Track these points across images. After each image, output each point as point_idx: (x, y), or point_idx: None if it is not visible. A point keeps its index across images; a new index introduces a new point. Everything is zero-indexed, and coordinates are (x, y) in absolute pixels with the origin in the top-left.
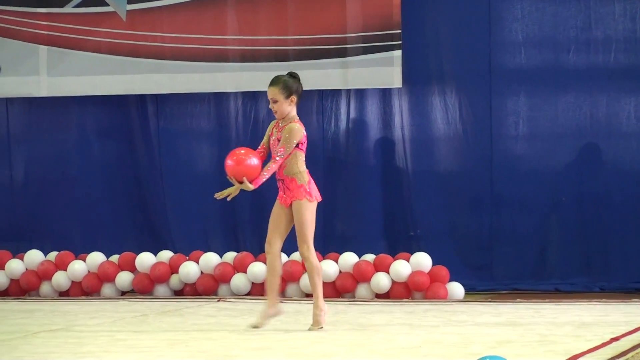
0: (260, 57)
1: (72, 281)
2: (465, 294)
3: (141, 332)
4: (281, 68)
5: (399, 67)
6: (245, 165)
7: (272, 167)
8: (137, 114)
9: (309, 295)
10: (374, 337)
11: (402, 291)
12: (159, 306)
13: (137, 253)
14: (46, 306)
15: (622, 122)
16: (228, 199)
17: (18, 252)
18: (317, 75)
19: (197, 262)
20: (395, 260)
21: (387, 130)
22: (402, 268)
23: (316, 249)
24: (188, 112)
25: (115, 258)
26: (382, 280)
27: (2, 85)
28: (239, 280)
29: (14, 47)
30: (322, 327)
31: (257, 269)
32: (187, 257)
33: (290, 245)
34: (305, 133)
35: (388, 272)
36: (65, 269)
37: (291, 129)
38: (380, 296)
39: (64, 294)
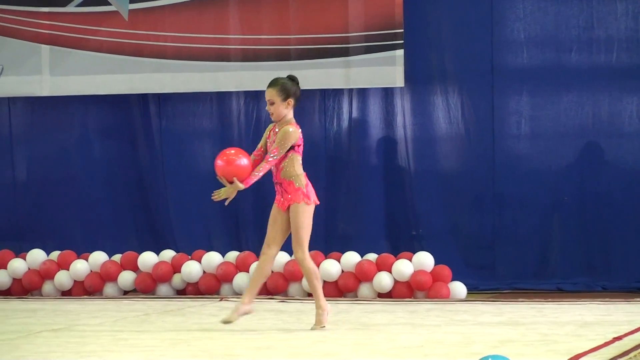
0: (263, 56)
1: (75, 280)
2: (468, 293)
3: (143, 332)
4: (283, 67)
5: (401, 66)
6: (235, 166)
7: (264, 168)
8: (139, 113)
9: (310, 295)
10: (376, 337)
11: (404, 291)
12: (162, 305)
13: (140, 252)
14: (48, 305)
15: (624, 122)
16: (226, 203)
17: (20, 251)
18: (319, 75)
19: (200, 262)
20: (397, 259)
21: (389, 130)
22: (404, 267)
23: (318, 248)
24: (190, 111)
25: (117, 257)
26: (384, 280)
27: (5, 85)
28: (242, 280)
29: (16, 47)
30: (324, 327)
31: None
32: (190, 257)
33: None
34: (301, 136)
35: (390, 272)
36: (67, 269)
37: (286, 131)
38: (383, 295)
39: (66, 294)
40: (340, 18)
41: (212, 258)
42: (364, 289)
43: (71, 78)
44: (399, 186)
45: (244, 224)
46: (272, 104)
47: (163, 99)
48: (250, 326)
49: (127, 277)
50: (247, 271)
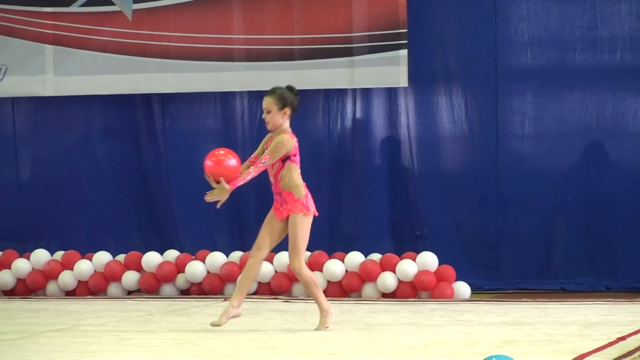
0: (266, 56)
1: (79, 280)
2: (472, 293)
3: (147, 332)
4: (287, 67)
5: (405, 66)
6: (223, 166)
7: (252, 172)
8: (142, 113)
9: None
10: (380, 337)
11: (408, 291)
12: (165, 305)
13: (144, 252)
14: (52, 305)
15: (628, 122)
16: (218, 205)
17: (24, 251)
18: (322, 75)
19: (204, 262)
20: (401, 259)
21: (393, 130)
22: (408, 267)
23: (322, 248)
24: (194, 111)
25: (121, 257)
26: (388, 280)
27: (8, 85)
28: None
29: (20, 47)
30: (327, 327)
31: (263, 268)
32: (194, 257)
33: None
34: (296, 145)
35: (394, 272)
36: (71, 269)
37: (280, 140)
38: (387, 295)
39: (70, 294)
40: (344, 18)
41: (216, 258)
42: (368, 289)
43: (75, 78)
44: (402, 186)
45: (247, 224)
46: (269, 112)
47: (167, 99)
48: (254, 326)
49: (131, 277)
50: None
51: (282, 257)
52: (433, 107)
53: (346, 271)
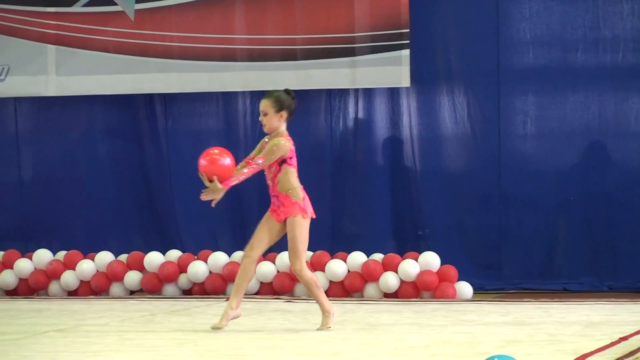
0: (268, 56)
1: (81, 280)
2: (474, 293)
3: (149, 332)
4: (289, 67)
5: (407, 66)
6: (218, 165)
7: (246, 173)
8: (145, 113)
9: None
10: (382, 337)
11: (410, 291)
12: (168, 305)
13: (146, 252)
14: (55, 305)
15: (630, 122)
16: (212, 204)
17: (27, 251)
18: (325, 75)
19: (206, 262)
20: (403, 259)
21: (395, 130)
22: (410, 267)
23: (324, 248)
24: (196, 111)
25: (123, 257)
26: (390, 280)
27: (11, 85)
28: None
29: (22, 47)
30: (330, 327)
31: (265, 268)
32: (196, 257)
33: None
34: (292, 148)
35: (396, 272)
36: (73, 269)
37: (276, 143)
38: (389, 295)
39: (72, 294)
40: (346, 18)
41: (218, 258)
42: (370, 289)
43: (77, 78)
44: (405, 186)
45: (249, 224)
46: (265, 115)
47: (169, 99)
48: (256, 326)
49: (133, 277)
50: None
51: (284, 257)
52: (435, 107)
53: (348, 271)
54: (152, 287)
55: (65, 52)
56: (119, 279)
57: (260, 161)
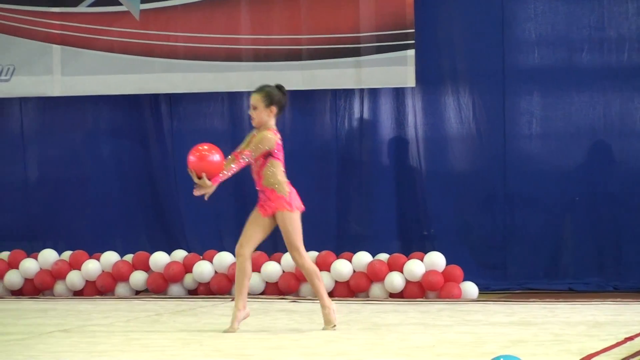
0: (274, 56)
1: (86, 280)
2: (479, 293)
3: (155, 332)
4: (294, 67)
5: (412, 66)
6: (207, 162)
7: (233, 168)
8: (150, 113)
9: None
10: (387, 337)
11: (416, 291)
12: (173, 305)
13: (151, 252)
14: (60, 305)
15: (635, 122)
16: (205, 197)
17: (32, 251)
18: (330, 75)
19: (211, 262)
20: (409, 259)
21: (400, 130)
22: (416, 267)
23: (330, 248)
24: (201, 111)
25: (129, 257)
26: (396, 280)
27: (16, 85)
28: (253, 280)
29: (27, 47)
30: (335, 326)
31: (271, 268)
32: (201, 257)
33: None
34: (279, 142)
35: (402, 272)
36: (79, 269)
37: (263, 136)
38: (394, 296)
39: (78, 294)
40: (352, 18)
41: (224, 258)
42: (376, 289)
43: (82, 78)
44: (410, 186)
45: None
46: (255, 108)
47: (174, 99)
48: (262, 326)
49: (138, 277)
50: (259, 271)
51: (289, 257)
52: (440, 107)
53: (354, 271)
54: (157, 287)
55: (71, 52)
56: (125, 279)
57: (247, 155)
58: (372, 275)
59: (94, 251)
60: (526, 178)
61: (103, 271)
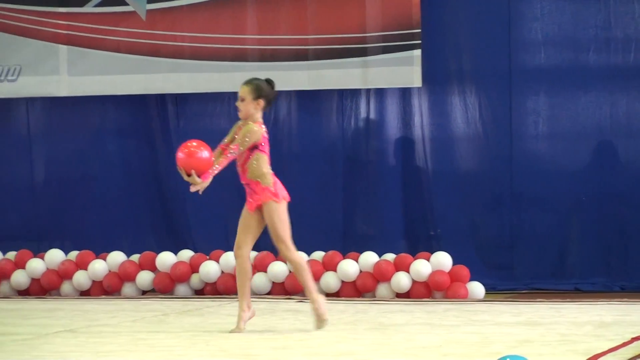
0: (280, 56)
1: (93, 280)
2: (486, 293)
3: (162, 332)
4: (301, 67)
5: (419, 66)
6: (196, 158)
7: (222, 163)
8: (156, 113)
9: (329, 295)
10: (394, 337)
11: (422, 291)
12: (180, 306)
13: (158, 252)
14: (67, 305)
15: None
16: (200, 192)
17: (39, 251)
18: (336, 75)
19: (218, 262)
20: (415, 259)
21: (406, 130)
22: (422, 267)
23: (336, 248)
24: (208, 111)
25: (135, 257)
26: (402, 280)
27: (23, 85)
28: (260, 280)
29: (34, 47)
30: (326, 320)
31: (277, 268)
32: (208, 257)
33: (310, 244)
34: (265, 135)
35: (408, 272)
36: (85, 269)
37: (248, 129)
38: (401, 296)
39: (84, 294)
40: (358, 18)
41: (230, 258)
42: (382, 289)
43: (89, 78)
44: (416, 186)
45: None
46: (243, 100)
47: (180, 99)
48: (268, 326)
49: (145, 277)
50: (265, 271)
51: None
52: (447, 107)
53: (360, 271)
54: (164, 287)
55: (77, 52)
56: (131, 279)
57: (235, 149)
58: (379, 275)
59: (101, 251)
60: (533, 178)
61: (110, 271)
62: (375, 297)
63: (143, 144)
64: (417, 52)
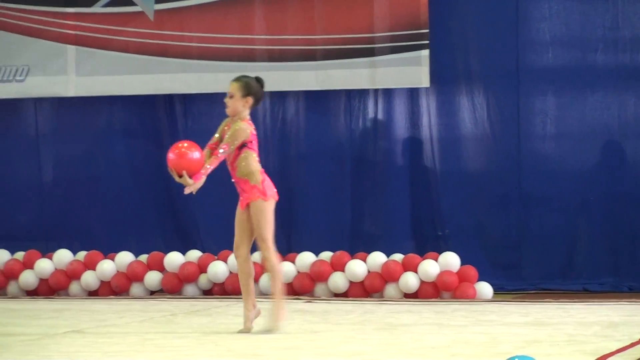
0: (288, 56)
1: (101, 281)
2: (494, 293)
3: (170, 332)
4: (309, 67)
5: (427, 66)
6: (186, 159)
7: (212, 163)
8: (164, 113)
9: (337, 295)
10: (402, 337)
11: (430, 291)
12: (188, 306)
13: (166, 253)
14: (75, 305)
15: None
16: (194, 193)
17: (47, 251)
18: (344, 75)
19: (226, 262)
20: (423, 260)
21: (414, 130)
22: (430, 268)
23: (344, 248)
24: (216, 111)
25: (144, 258)
26: (410, 280)
27: (31, 86)
28: (267, 280)
29: (42, 47)
30: (279, 327)
31: (285, 268)
32: (216, 257)
33: (318, 245)
34: (253, 132)
35: (416, 272)
36: (94, 269)
37: (237, 128)
38: (409, 296)
39: (93, 294)
40: (366, 18)
41: None
42: (390, 289)
43: (97, 78)
44: (424, 186)
45: None
46: (231, 97)
47: (188, 99)
48: None
49: (153, 278)
50: None
51: (304, 258)
52: (455, 107)
53: (368, 271)
54: (172, 288)
55: (85, 52)
56: (139, 279)
57: (224, 148)
58: (387, 276)
59: (109, 251)
60: (540, 178)
61: (118, 271)
62: (383, 297)
63: (151, 144)
64: (425, 52)
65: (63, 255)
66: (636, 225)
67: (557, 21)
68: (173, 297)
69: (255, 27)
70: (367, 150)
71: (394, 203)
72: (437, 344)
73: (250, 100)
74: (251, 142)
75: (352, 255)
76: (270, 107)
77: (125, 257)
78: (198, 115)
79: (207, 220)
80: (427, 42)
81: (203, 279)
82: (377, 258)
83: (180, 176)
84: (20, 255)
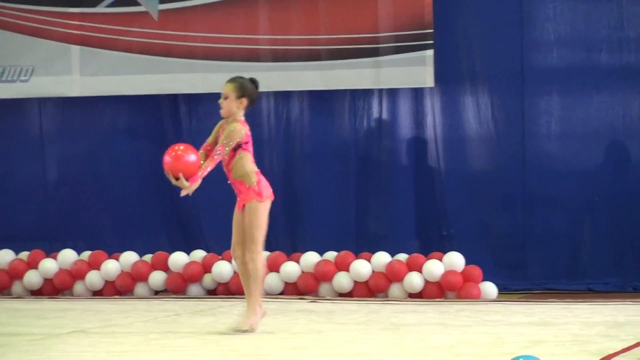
0: (292, 56)
1: (106, 280)
2: (498, 293)
3: (174, 332)
4: (313, 68)
5: (431, 66)
6: (182, 162)
7: (209, 165)
8: (169, 113)
9: (342, 295)
10: (406, 337)
11: (435, 291)
12: (192, 306)
13: (170, 252)
14: (79, 305)
15: None
16: (189, 194)
17: (51, 251)
18: (349, 75)
19: (230, 262)
20: (428, 259)
21: (419, 130)
22: (435, 268)
23: (349, 248)
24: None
25: (148, 257)
26: (415, 280)
27: (35, 85)
28: (272, 280)
29: (46, 47)
30: (250, 330)
31: (290, 268)
32: (220, 257)
33: (322, 244)
34: (248, 133)
35: (421, 272)
36: (98, 269)
37: (232, 129)
38: (413, 296)
39: (97, 294)
40: (370, 18)
41: None
42: (395, 289)
43: (101, 78)
44: (429, 186)
45: (273, 223)
46: (226, 98)
47: (193, 99)
48: (280, 326)
49: (157, 277)
50: (277, 271)
51: (309, 257)
52: (459, 107)
53: (373, 271)
54: (176, 287)
55: (89, 52)
56: (144, 279)
57: (220, 150)
58: (391, 276)
59: (113, 251)
60: (545, 178)
61: (122, 271)
62: (387, 297)
63: (155, 144)
64: (430, 52)
65: (67, 255)
66: None
67: (562, 21)
68: (177, 297)
69: (260, 27)
70: (371, 150)
71: (399, 203)
72: (441, 344)
73: (244, 101)
74: (246, 143)
75: (357, 255)
76: (274, 107)
77: (129, 257)
78: (202, 115)
79: (211, 220)
80: (431, 42)
81: (207, 279)
82: (382, 258)
83: (177, 179)
84: (24, 255)
